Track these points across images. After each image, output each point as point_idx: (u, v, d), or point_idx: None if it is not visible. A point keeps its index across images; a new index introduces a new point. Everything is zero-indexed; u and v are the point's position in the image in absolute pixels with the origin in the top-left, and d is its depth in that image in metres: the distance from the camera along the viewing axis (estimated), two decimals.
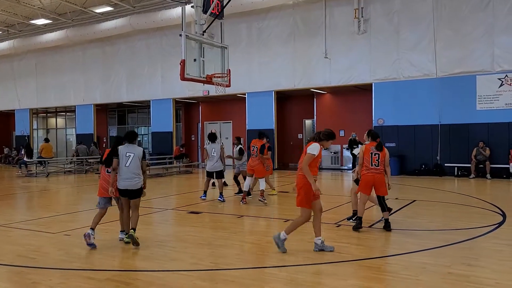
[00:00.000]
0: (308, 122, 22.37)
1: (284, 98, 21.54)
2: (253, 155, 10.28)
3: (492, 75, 15.49)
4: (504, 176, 15.11)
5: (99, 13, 22.89)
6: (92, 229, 6.26)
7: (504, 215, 8.16)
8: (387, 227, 7.03)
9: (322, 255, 5.89)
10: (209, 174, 10.79)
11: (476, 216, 8.31)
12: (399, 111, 17.11)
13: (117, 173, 6.27)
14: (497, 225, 7.35)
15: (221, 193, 10.44)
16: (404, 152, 17.04)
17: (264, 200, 9.91)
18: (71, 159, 22.25)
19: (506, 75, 15.32)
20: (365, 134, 7.59)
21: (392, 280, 4.73)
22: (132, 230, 6.28)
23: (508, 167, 15.01)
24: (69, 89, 25.90)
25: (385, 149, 7.33)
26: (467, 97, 15.88)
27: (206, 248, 6.27)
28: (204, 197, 10.63)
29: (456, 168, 16.06)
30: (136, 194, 6.39)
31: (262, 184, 10.21)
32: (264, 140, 10.48)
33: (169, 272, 5.19)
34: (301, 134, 22.32)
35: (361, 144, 7.72)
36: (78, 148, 21.74)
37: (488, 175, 15.11)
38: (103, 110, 27.71)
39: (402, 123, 17.11)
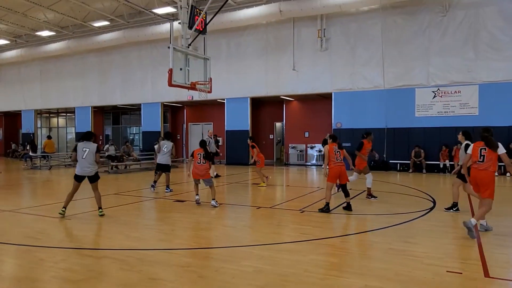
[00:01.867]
0: (278, 124, 22.54)
1: (257, 104, 21.62)
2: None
3: (428, 88, 16.02)
4: (436, 170, 15.69)
5: (97, 27, 22.37)
6: (197, 195, 8.40)
7: (434, 202, 8.51)
8: (348, 208, 7.58)
9: (287, 236, 6.02)
10: (160, 168, 10.40)
11: (413, 203, 8.58)
12: (354, 116, 17.43)
13: (76, 162, 7.20)
14: (429, 210, 7.66)
15: (167, 186, 10.44)
16: None
17: (371, 197, 8.98)
18: (71, 154, 21.65)
19: (438, 89, 15.87)
20: (328, 138, 8.00)
21: (345, 255, 4.88)
22: (99, 210, 7.15)
23: (439, 164, 15.59)
24: (70, 93, 25.20)
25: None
26: (408, 106, 16.35)
27: (190, 231, 6.28)
28: (153, 189, 10.29)
29: (398, 164, 16.54)
30: (92, 179, 7.18)
31: (368, 180, 9.14)
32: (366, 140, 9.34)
33: (158, 250, 5.18)
34: (272, 135, 22.47)
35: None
36: (77, 145, 21.17)
37: (424, 170, 15.66)
38: (99, 112, 27.08)
39: (356, 126, 17.43)
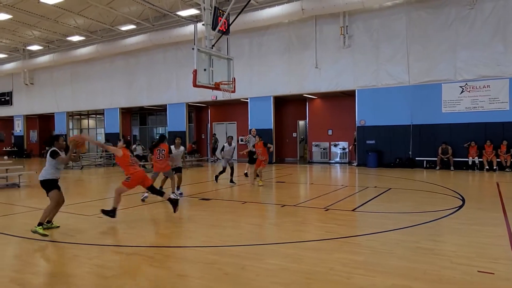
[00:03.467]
0: (301, 122, 22.42)
1: (280, 102, 21.57)
2: None
3: (455, 84, 15.52)
4: (464, 167, 15.19)
5: (124, 31, 22.91)
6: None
7: (463, 200, 8.23)
8: (175, 203, 6.99)
9: (312, 234, 5.98)
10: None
11: (440, 200, 8.34)
12: (378, 113, 17.13)
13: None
14: (458, 208, 7.41)
15: (178, 187, 9.72)
16: (382, 148, 17.10)
17: None
18: (101, 154, 22.32)
19: (466, 84, 15.35)
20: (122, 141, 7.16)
21: (370, 254, 4.77)
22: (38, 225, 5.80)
23: (467, 160, 15.08)
24: (99, 95, 25.94)
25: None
26: (434, 101, 15.91)
27: (215, 229, 6.32)
28: (181, 194, 9.58)
29: (425, 161, 16.11)
30: (41, 185, 6.02)
31: None
32: None
33: (185, 248, 5.27)
34: (295, 133, 22.37)
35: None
36: None
37: (451, 167, 15.19)
38: (127, 113, 27.75)
39: (380, 124, 17.15)
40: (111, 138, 23.88)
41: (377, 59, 16.98)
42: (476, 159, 14.85)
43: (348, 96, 18.55)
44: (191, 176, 14.49)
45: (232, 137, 12.33)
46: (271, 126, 19.90)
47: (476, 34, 15.07)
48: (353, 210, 7.44)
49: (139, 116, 28.70)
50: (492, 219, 6.48)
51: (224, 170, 11.96)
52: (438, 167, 15.42)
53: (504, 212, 6.89)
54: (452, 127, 15.62)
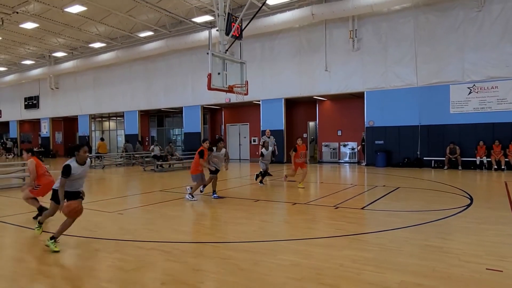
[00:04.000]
0: (311, 124, 22.30)
1: (291, 104, 21.50)
2: None
3: (463, 85, 15.23)
4: (472, 167, 14.88)
5: (142, 37, 23.18)
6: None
7: (471, 199, 8.07)
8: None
9: (322, 231, 5.94)
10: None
11: (448, 199, 8.19)
12: (387, 114, 16.93)
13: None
14: (466, 207, 7.28)
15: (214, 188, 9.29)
16: (390, 148, 16.88)
17: None
18: (121, 154, 22.61)
19: (474, 85, 15.04)
20: (26, 153, 6.72)
21: (379, 251, 4.72)
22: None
23: (475, 160, 14.77)
24: (119, 98, 26.31)
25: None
26: (442, 102, 15.64)
27: (230, 225, 6.34)
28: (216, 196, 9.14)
29: (433, 161, 15.85)
30: None
31: None
32: None
33: (201, 243, 5.29)
34: (305, 134, 22.27)
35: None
36: (126, 146, 22.06)
37: (459, 167, 14.90)
38: (145, 115, 28.07)
39: (389, 124, 16.94)
40: (130, 139, 24.18)
41: (385, 62, 16.78)
42: (484, 159, 14.54)
43: (357, 97, 18.38)
44: (206, 175, 14.51)
45: (267, 141, 12.10)
46: (282, 127, 19.87)
47: (484, 35, 14.77)
48: (362, 208, 7.36)
49: (157, 118, 28.98)
50: (501, 218, 6.34)
51: (265, 173, 11.62)
52: (446, 167, 15.15)
53: None
54: (460, 128, 15.33)
